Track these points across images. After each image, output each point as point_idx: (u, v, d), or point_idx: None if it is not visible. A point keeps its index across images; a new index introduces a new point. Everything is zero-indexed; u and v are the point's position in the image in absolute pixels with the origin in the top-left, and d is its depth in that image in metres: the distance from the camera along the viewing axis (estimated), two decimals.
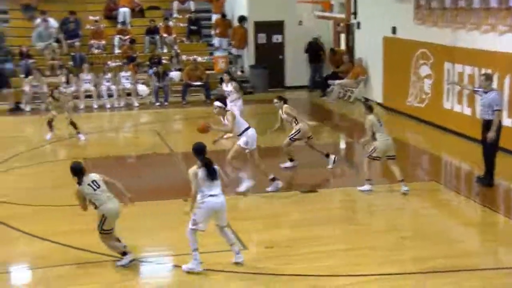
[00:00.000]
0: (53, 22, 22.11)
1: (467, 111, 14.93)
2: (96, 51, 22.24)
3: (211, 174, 7.97)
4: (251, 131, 11.21)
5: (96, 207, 8.22)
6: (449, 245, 8.89)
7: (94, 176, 8.33)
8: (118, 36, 22.54)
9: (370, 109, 11.30)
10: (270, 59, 22.80)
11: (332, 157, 12.79)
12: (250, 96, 20.98)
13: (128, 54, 21.84)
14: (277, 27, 22.97)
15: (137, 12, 23.92)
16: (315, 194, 11.26)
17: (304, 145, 12.92)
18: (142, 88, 20.39)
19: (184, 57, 22.29)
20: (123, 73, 20.78)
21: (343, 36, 22.62)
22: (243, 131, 11.15)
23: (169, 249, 9.03)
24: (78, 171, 8.31)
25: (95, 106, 20.25)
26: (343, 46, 22.56)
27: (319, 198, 11.07)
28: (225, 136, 13.35)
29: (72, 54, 21.72)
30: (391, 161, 11.17)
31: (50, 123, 15.48)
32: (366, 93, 20.18)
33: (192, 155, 8.22)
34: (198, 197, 7.99)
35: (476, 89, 12.14)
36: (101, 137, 16.68)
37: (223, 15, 23.68)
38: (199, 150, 8.17)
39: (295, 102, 21.33)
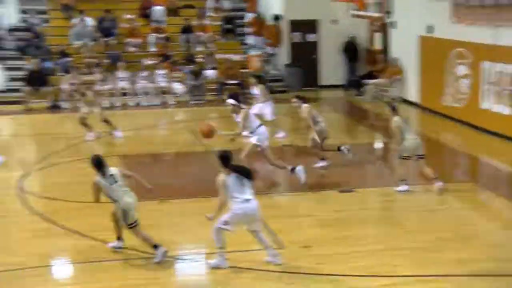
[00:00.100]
0: (90, 21, 22.39)
1: (506, 111, 14.72)
2: (131, 49, 22.43)
3: (245, 177, 7.88)
4: (262, 129, 11.24)
5: (114, 201, 8.31)
6: (491, 248, 8.73)
7: (113, 170, 8.46)
8: (153, 34, 22.70)
9: (395, 110, 11.22)
10: (305, 58, 22.76)
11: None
12: (284, 95, 20.95)
13: (163, 52, 21.98)
14: (311, 25, 22.92)
15: (172, 11, 24.06)
16: (351, 193, 11.21)
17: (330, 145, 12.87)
18: (178, 86, 20.52)
19: (218, 56, 22.35)
20: (158, 71, 20.95)
21: (378, 35, 22.47)
22: (255, 129, 11.18)
23: (206, 246, 9.05)
24: (97, 164, 8.43)
25: (131, 104, 20.45)
26: (378, 46, 22.41)
27: (356, 198, 11.01)
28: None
29: (108, 52, 21.94)
30: (421, 160, 11.08)
31: (84, 123, 15.57)
32: (401, 93, 20.03)
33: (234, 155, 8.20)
34: (232, 203, 7.89)
35: None
36: (137, 135, 16.82)
37: (258, 14, 23.70)
38: (226, 158, 8.00)
39: (330, 101, 21.41)
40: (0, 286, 7.89)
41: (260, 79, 16.23)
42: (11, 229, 9.82)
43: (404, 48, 19.94)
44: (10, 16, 22.90)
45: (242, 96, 19.15)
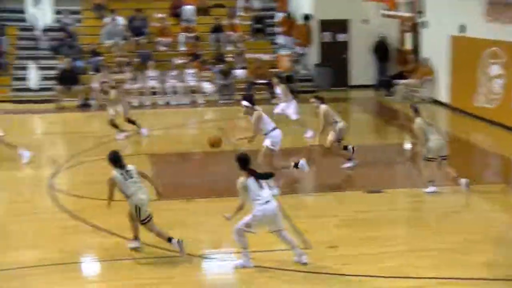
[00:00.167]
0: (121, 20, 22.58)
1: None
2: (162, 48, 22.55)
3: (262, 180, 7.94)
4: (277, 132, 11.17)
5: (127, 198, 8.39)
6: None
7: (129, 167, 8.56)
8: (183, 33, 22.80)
9: (417, 111, 11.11)
10: (335, 58, 22.64)
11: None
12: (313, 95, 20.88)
13: (193, 51, 22.06)
14: (342, 25, 22.81)
15: (202, 10, 24.14)
16: (380, 194, 11.12)
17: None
18: (207, 86, 20.58)
19: (248, 55, 22.36)
20: (188, 71, 21.04)
21: (408, 35, 22.26)
22: (269, 132, 11.13)
23: (231, 246, 9.04)
24: (114, 159, 8.56)
25: (160, 103, 20.57)
26: (408, 46, 22.21)
27: (384, 199, 10.92)
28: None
29: (138, 51, 22.09)
30: (444, 161, 10.95)
31: (113, 124, 15.65)
32: (432, 93, 19.83)
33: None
34: (254, 205, 7.93)
35: None
36: (166, 134, 16.91)
37: (288, 13, 23.67)
38: (244, 160, 8.07)
39: (360, 101, 21.28)
40: (29, 281, 7.99)
41: (283, 78, 16.23)
42: (42, 226, 9.94)
43: (435, 48, 19.73)
44: (46, 16, 23.23)
45: (270, 95, 19.25)
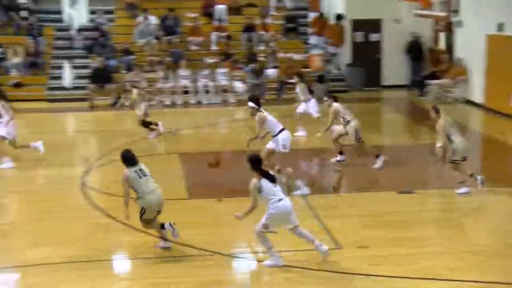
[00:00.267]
0: (154, 20, 22.73)
1: None
2: (194, 47, 22.63)
3: (273, 181, 7.97)
4: (284, 133, 11.09)
5: (137, 198, 8.42)
6: None
7: (142, 165, 8.57)
8: (215, 33, 22.86)
9: (438, 113, 10.95)
10: (367, 58, 22.50)
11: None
12: (345, 95, 20.79)
13: (225, 50, 22.10)
14: (374, 25, 22.65)
15: (234, 9, 24.17)
16: (411, 195, 11.00)
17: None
18: (238, 85, 20.61)
19: (280, 55, 22.32)
20: (220, 70, 21.09)
21: (442, 35, 22.01)
22: (277, 133, 11.04)
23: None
24: (126, 158, 8.57)
25: (192, 102, 20.65)
26: (442, 45, 21.96)
27: (415, 199, 10.80)
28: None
29: (170, 50, 22.20)
30: (463, 162, 10.83)
31: (144, 124, 15.69)
32: (465, 94, 19.58)
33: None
34: (269, 204, 7.95)
35: None
36: (197, 133, 16.96)
37: (320, 13, 23.58)
38: (257, 161, 8.10)
39: (392, 101, 21.11)
40: (59, 277, 8.06)
41: (303, 78, 16.21)
42: (74, 223, 10.03)
43: (469, 47, 19.47)
44: (81, 16, 23.54)
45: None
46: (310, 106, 15.43)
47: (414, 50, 22.18)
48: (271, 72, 21.52)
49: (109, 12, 24.10)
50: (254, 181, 7.99)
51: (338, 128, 12.63)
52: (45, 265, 8.34)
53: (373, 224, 9.68)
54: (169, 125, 16.27)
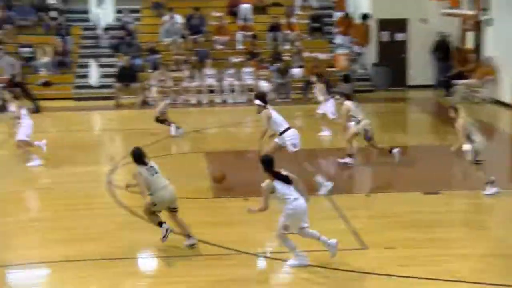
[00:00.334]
0: (179, 19, 22.83)
1: None
2: (219, 46, 22.68)
3: (287, 181, 7.93)
4: (290, 132, 11.01)
5: (150, 194, 8.47)
6: None
7: (153, 163, 8.64)
8: (241, 32, 22.88)
9: (457, 112, 10.80)
10: (393, 57, 22.35)
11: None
12: (371, 95, 20.72)
13: (250, 50, 22.12)
14: (400, 24, 22.50)
15: (259, 9, 24.18)
16: (437, 196, 10.90)
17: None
18: (264, 84, 20.61)
19: (305, 54, 22.27)
20: (245, 69, 21.11)
21: (470, 34, 21.77)
22: (284, 131, 10.97)
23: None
24: (137, 156, 8.62)
25: (217, 101, 20.70)
26: (470, 44, 21.73)
27: (441, 200, 10.70)
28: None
29: (196, 49, 22.27)
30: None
31: (159, 121, 15.72)
32: (493, 94, 19.36)
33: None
34: (284, 204, 7.92)
35: None
36: (223, 132, 16.99)
37: (346, 13, 23.48)
38: (270, 162, 8.06)
39: (418, 101, 20.94)
40: (82, 274, 8.14)
41: (322, 78, 16.15)
42: (100, 221, 10.10)
43: (499, 46, 19.22)
44: (108, 16, 23.73)
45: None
46: (328, 107, 15.33)
47: (441, 49, 21.98)
48: (296, 71, 21.49)
49: (135, 11, 24.26)
50: (267, 182, 7.97)
51: (353, 128, 12.54)
52: (70, 262, 8.43)
53: (399, 224, 9.61)
54: (195, 124, 16.30)
